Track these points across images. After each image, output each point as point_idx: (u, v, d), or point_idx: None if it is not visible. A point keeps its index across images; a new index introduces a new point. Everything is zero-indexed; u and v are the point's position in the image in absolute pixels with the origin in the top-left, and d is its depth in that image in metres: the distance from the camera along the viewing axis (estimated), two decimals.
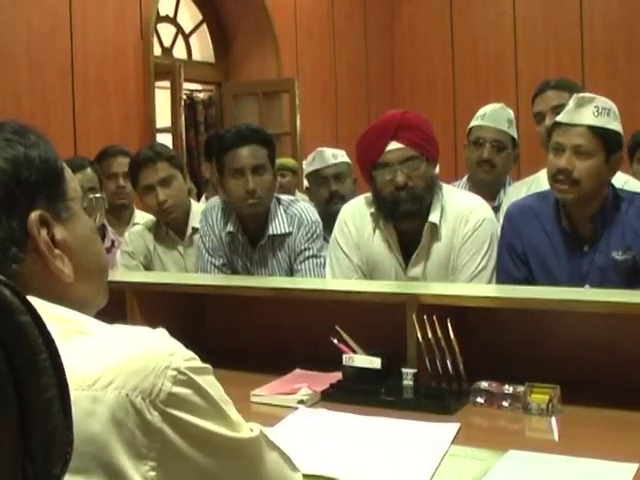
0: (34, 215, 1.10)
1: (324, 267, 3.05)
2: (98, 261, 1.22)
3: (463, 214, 2.79)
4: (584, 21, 7.24)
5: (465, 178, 3.76)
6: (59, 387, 0.77)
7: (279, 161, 5.15)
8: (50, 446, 0.77)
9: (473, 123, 3.66)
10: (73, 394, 0.81)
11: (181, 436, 0.98)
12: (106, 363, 0.98)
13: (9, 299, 0.74)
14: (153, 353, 1.00)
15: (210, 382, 1.03)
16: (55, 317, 0.99)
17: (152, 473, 0.96)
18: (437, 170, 2.93)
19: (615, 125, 2.59)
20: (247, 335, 2.69)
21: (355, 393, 2.12)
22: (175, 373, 0.98)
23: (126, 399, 0.96)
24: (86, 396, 0.95)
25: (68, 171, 1.19)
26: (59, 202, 1.15)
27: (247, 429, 1.08)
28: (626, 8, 7.02)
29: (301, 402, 2.10)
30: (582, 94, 2.66)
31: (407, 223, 2.81)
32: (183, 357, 1.01)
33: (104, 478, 0.95)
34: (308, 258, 3.13)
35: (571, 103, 2.61)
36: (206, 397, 1.01)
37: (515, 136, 3.64)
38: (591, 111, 2.56)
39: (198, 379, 1.01)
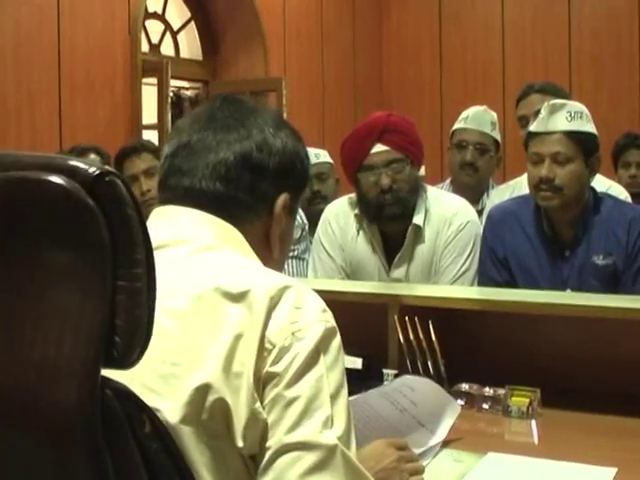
0: (286, 196, 1.29)
1: (306, 269, 3.04)
2: (285, 258, 1.41)
3: (447, 216, 2.79)
4: (572, 27, 7.25)
5: (448, 181, 3.73)
6: (148, 281, 0.87)
7: None
8: (133, 330, 0.86)
9: (456, 126, 3.62)
10: (213, 295, 1.09)
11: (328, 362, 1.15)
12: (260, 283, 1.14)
13: (123, 192, 0.85)
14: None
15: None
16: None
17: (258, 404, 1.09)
18: (422, 172, 2.93)
19: (590, 127, 2.59)
20: None
21: None
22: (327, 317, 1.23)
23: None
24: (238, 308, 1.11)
25: None
26: (297, 200, 1.35)
27: None
28: (614, 15, 7.03)
29: None
30: (553, 101, 2.65)
31: (392, 226, 2.80)
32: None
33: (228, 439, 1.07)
34: (291, 259, 3.12)
35: (543, 112, 2.60)
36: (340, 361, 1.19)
37: (498, 139, 3.60)
38: (564, 117, 2.56)
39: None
